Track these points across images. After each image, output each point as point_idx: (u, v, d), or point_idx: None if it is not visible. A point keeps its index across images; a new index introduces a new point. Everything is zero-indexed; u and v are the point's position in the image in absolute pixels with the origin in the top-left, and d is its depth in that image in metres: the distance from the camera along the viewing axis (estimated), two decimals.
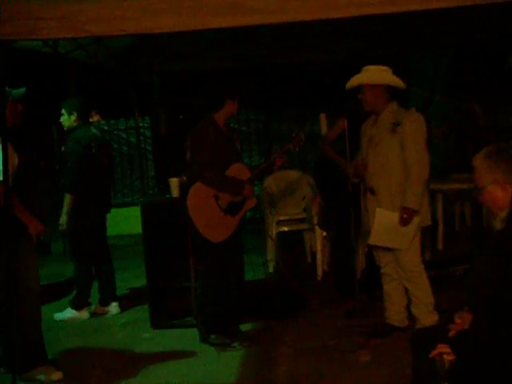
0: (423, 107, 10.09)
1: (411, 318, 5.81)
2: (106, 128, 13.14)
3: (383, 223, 5.51)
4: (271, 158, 5.96)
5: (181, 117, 7.26)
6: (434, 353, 3.16)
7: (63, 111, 6.85)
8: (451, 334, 3.31)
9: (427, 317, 5.56)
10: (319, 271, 7.87)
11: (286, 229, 8.31)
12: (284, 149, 5.86)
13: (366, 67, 5.59)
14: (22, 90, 5.62)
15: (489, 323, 3.07)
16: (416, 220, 5.47)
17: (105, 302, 7.19)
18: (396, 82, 5.56)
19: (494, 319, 3.04)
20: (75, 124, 6.83)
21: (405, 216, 5.42)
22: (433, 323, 5.43)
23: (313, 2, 4.59)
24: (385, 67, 5.61)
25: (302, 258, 8.66)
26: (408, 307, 5.83)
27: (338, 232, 7.35)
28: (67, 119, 6.84)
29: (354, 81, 5.58)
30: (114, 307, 7.19)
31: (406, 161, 5.43)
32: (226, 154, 5.76)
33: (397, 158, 5.47)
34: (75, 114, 6.80)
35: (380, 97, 5.55)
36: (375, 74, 5.56)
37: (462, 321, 3.36)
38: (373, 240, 5.64)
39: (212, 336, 5.90)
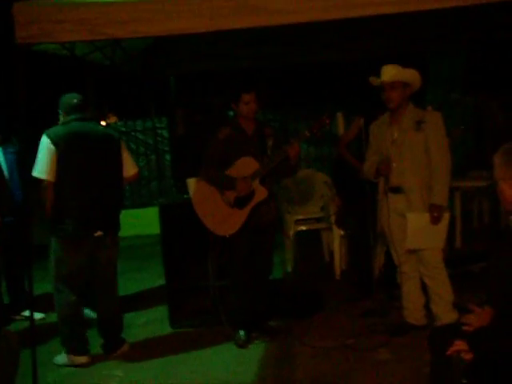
0: (440, 106, 10.09)
1: (430, 316, 5.82)
2: (123, 129, 13.21)
3: (417, 226, 5.53)
4: (283, 148, 5.75)
5: (199, 118, 7.30)
6: (451, 350, 3.17)
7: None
8: (468, 328, 3.31)
9: (447, 315, 5.56)
10: (337, 270, 7.87)
11: (303, 228, 8.31)
12: (298, 137, 5.84)
13: (392, 65, 5.58)
14: None
15: (509, 321, 3.07)
16: (446, 216, 5.52)
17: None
18: (419, 84, 5.62)
19: None
20: None
21: (435, 214, 5.45)
22: (452, 321, 5.43)
23: (330, 1, 4.60)
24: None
25: (319, 257, 8.66)
26: (426, 305, 5.84)
27: (355, 231, 7.35)
28: None
29: (388, 76, 5.56)
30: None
31: (430, 158, 5.47)
32: (240, 151, 5.80)
33: (423, 156, 5.52)
34: None
35: (407, 96, 5.58)
36: (408, 73, 5.57)
37: (477, 318, 3.37)
38: (410, 245, 5.63)
39: (241, 332, 5.99)
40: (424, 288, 5.82)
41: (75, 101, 5.74)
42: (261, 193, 5.78)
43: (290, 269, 8.30)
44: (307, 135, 5.67)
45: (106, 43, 6.37)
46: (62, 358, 5.78)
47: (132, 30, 4.69)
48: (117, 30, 4.69)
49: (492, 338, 3.12)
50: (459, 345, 3.13)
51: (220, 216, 5.81)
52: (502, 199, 3.46)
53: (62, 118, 5.76)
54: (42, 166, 5.45)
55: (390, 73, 5.54)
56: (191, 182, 6.39)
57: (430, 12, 4.72)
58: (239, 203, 5.77)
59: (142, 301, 7.60)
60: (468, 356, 3.08)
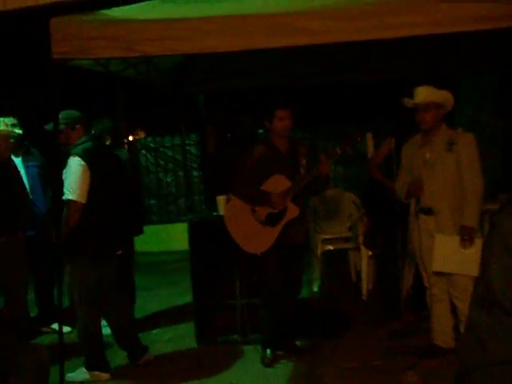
0: (470, 127, 10.03)
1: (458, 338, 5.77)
2: (152, 145, 13.31)
3: (444, 248, 5.49)
4: (315, 166, 5.71)
5: (229, 135, 7.33)
6: None
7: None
8: None
9: None
10: (364, 291, 7.83)
11: (331, 247, 8.29)
12: (330, 154, 5.71)
13: (426, 86, 5.57)
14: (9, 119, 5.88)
15: None
16: (478, 242, 5.41)
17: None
18: (452, 104, 5.62)
19: None
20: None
21: (466, 237, 5.40)
22: None
23: (360, 22, 4.63)
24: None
25: (346, 277, 8.63)
26: (455, 328, 5.79)
27: (383, 251, 7.32)
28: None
29: (422, 97, 5.54)
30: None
31: (462, 179, 5.44)
32: (274, 169, 5.80)
33: (455, 177, 5.49)
34: (108, 139, 6.89)
35: (440, 117, 5.57)
36: (442, 95, 5.56)
37: None
38: (436, 267, 5.58)
39: (268, 351, 5.96)
40: (453, 310, 5.77)
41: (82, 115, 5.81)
42: (293, 211, 5.76)
43: (316, 288, 8.28)
44: (339, 153, 5.63)
45: (140, 60, 6.41)
46: (79, 375, 5.76)
47: (165, 47, 4.74)
48: (150, 47, 4.74)
49: None
50: None
51: (251, 234, 5.81)
52: None
53: (74, 135, 5.74)
54: (77, 188, 5.42)
55: (423, 94, 5.53)
56: (221, 200, 6.42)
57: (461, 33, 4.73)
58: (271, 221, 5.77)
59: (168, 317, 7.62)
60: None
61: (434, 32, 4.72)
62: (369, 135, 7.93)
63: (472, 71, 10.18)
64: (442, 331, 5.80)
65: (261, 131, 7.97)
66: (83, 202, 5.45)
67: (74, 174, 5.44)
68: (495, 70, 10.32)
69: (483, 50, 8.12)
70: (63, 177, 5.44)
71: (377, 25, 4.61)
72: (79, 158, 5.47)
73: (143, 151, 13.26)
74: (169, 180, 13.28)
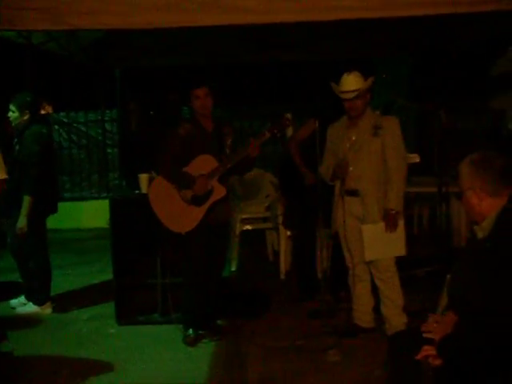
0: (386, 110, 10.20)
1: (377, 319, 5.89)
2: (65, 120, 13.07)
3: (372, 237, 5.57)
4: (243, 148, 5.69)
5: (151, 113, 7.23)
6: (420, 355, 3.20)
7: (14, 108, 6.62)
8: (433, 336, 3.34)
9: (397, 318, 5.62)
10: (283, 270, 7.89)
11: (249, 227, 8.33)
12: (259, 137, 5.66)
13: (353, 74, 5.59)
14: None
15: (475, 329, 3.11)
16: (401, 223, 5.58)
17: (41, 302, 6.95)
18: None
19: (480, 325, 3.09)
20: (26, 122, 6.66)
21: (389, 219, 5.51)
22: (402, 324, 5.51)
23: (297, 4, 4.65)
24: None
25: (264, 257, 8.68)
26: (375, 309, 5.90)
27: (301, 232, 7.36)
28: (18, 117, 6.63)
29: (353, 85, 5.54)
30: (48, 307, 6.98)
31: (386, 163, 5.52)
32: (199, 149, 5.74)
33: (380, 161, 5.56)
34: (28, 113, 6.63)
35: (368, 101, 5.63)
36: (369, 83, 5.61)
37: (441, 324, 3.41)
38: (369, 257, 5.65)
39: (190, 331, 5.93)
40: (373, 291, 5.88)
41: None
42: (219, 191, 5.73)
43: (234, 267, 8.30)
44: (267, 136, 5.63)
45: (62, 33, 6.26)
46: None
47: (98, 21, 4.67)
48: (82, 20, 4.65)
49: (458, 344, 3.16)
50: (428, 350, 3.17)
51: (177, 213, 5.74)
52: (468, 209, 3.50)
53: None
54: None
55: (352, 83, 5.55)
56: (144, 178, 6.33)
57: (379, 19, 4.82)
58: (197, 200, 5.72)
59: (85, 296, 7.48)
60: (437, 361, 3.12)
61: (366, 16, 4.79)
62: (288, 115, 7.95)
63: (388, 56, 10.37)
64: (363, 311, 5.91)
65: (185, 109, 7.89)
66: None
67: None
68: (410, 55, 10.54)
69: (398, 37, 8.29)
70: None
71: (311, 7, 4.65)
72: None
73: (56, 126, 12.99)
74: (82, 156, 13.08)
